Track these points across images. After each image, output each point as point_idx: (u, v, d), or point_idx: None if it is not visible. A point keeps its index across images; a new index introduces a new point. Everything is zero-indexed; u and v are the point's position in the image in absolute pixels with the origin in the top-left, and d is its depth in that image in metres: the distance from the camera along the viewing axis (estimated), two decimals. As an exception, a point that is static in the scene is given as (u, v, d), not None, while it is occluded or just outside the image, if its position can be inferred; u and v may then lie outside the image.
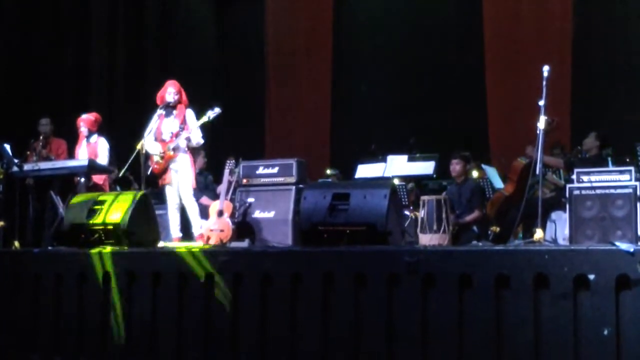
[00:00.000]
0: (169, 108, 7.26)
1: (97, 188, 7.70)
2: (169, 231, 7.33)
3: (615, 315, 4.02)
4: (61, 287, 5.53)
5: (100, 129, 8.02)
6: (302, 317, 4.76)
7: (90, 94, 10.81)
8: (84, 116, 7.98)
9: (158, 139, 7.26)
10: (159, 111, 7.24)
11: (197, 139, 7.27)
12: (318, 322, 4.69)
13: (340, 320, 4.65)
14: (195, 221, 7.27)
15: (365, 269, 4.62)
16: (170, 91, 7.27)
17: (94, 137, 7.89)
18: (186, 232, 7.44)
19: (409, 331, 4.45)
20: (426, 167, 7.95)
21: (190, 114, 7.27)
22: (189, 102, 7.41)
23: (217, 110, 7.24)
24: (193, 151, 7.41)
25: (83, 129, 7.88)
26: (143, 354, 5.20)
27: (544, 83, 5.45)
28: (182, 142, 7.16)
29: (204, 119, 7.24)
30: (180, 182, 7.22)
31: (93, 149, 7.82)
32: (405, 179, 8.44)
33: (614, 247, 4.15)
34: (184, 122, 7.21)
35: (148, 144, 7.17)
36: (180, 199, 7.29)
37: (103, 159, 7.77)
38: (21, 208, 7.48)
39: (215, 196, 8.23)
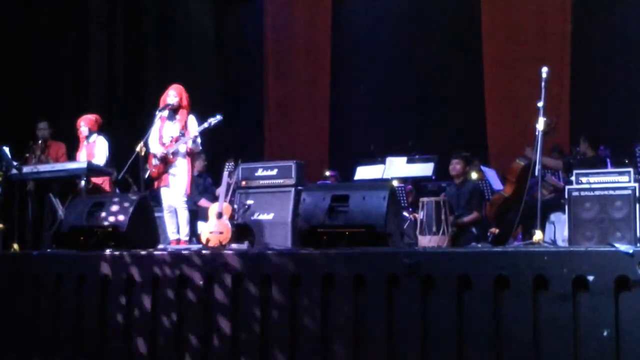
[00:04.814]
0: (171, 111, 7.24)
1: (97, 189, 7.70)
2: (167, 233, 7.32)
3: (615, 316, 4.03)
4: (60, 289, 5.53)
5: (100, 129, 8.01)
6: (301, 318, 4.76)
7: (89, 96, 10.79)
8: (85, 116, 7.99)
9: (159, 141, 7.25)
10: (161, 113, 7.23)
11: (197, 145, 7.25)
12: (318, 324, 4.69)
13: (340, 321, 4.65)
14: (182, 227, 7.22)
15: (364, 271, 4.62)
16: (170, 93, 7.24)
17: (93, 137, 7.89)
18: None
19: (408, 332, 4.46)
20: (425, 169, 7.97)
21: (192, 120, 7.23)
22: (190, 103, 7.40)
23: (218, 117, 7.20)
24: (193, 154, 7.40)
25: (83, 129, 7.86)
26: (142, 354, 5.20)
27: (543, 84, 5.46)
28: (182, 147, 7.14)
29: (205, 125, 7.21)
30: (175, 186, 7.20)
31: (91, 148, 7.81)
32: (404, 180, 8.45)
33: (613, 249, 4.16)
34: (185, 127, 7.17)
35: (152, 145, 7.17)
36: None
37: (101, 157, 7.74)
38: (20, 210, 7.49)
39: (214, 198, 8.22)
